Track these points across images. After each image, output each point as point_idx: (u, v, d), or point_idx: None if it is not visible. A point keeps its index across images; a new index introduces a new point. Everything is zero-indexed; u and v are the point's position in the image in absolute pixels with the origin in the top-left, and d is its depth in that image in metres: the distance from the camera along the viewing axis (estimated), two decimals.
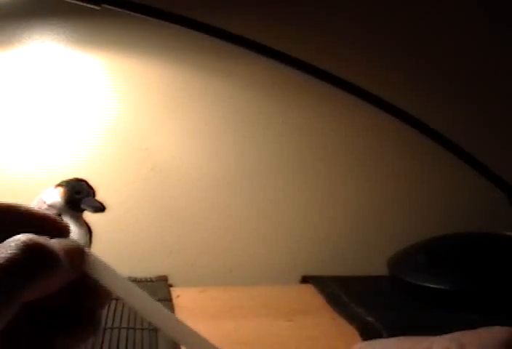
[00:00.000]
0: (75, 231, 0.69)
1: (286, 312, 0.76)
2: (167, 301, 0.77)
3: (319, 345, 0.67)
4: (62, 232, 0.28)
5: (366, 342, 0.29)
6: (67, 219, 0.69)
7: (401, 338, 0.29)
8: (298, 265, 0.92)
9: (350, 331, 0.69)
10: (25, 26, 0.83)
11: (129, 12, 0.69)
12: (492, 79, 0.94)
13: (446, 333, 0.29)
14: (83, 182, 0.71)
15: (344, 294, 0.80)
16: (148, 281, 0.85)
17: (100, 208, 0.69)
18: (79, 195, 0.69)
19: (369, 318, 0.71)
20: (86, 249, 0.27)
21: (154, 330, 0.67)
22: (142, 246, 0.89)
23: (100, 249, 0.73)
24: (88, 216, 0.71)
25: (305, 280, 0.89)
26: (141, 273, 0.87)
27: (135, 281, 0.85)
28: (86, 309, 0.28)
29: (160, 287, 0.83)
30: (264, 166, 0.92)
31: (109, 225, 0.86)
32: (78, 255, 0.27)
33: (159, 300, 0.77)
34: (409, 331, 0.33)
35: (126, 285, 0.28)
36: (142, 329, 0.67)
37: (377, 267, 0.85)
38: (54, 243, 0.25)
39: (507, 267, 0.77)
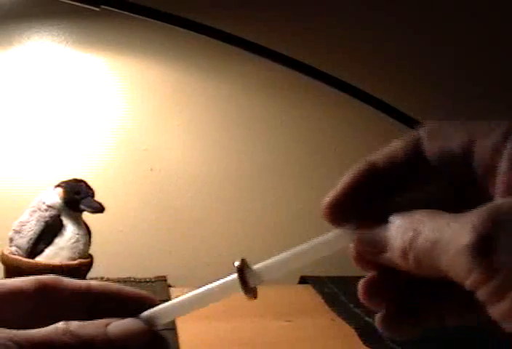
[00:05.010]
0: (74, 232, 0.69)
1: (284, 312, 0.76)
2: (166, 301, 0.77)
3: (318, 346, 0.67)
4: (144, 304, 0.31)
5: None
6: (66, 220, 0.70)
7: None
8: None
9: (348, 331, 0.69)
10: (25, 26, 0.83)
11: (128, 13, 0.69)
12: (491, 82, 0.95)
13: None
14: (82, 183, 0.71)
15: (342, 294, 0.80)
16: (148, 282, 0.85)
17: (99, 208, 0.69)
18: (78, 196, 0.69)
19: (368, 319, 0.71)
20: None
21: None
22: (142, 246, 0.89)
23: (100, 250, 0.74)
24: (87, 216, 0.71)
25: (304, 280, 0.89)
26: (140, 273, 0.87)
27: (135, 281, 0.85)
28: None
29: (159, 287, 0.83)
30: (263, 166, 0.92)
31: (108, 226, 0.86)
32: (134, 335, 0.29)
33: (158, 301, 0.78)
34: None
35: None
36: None
37: None
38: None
39: None
